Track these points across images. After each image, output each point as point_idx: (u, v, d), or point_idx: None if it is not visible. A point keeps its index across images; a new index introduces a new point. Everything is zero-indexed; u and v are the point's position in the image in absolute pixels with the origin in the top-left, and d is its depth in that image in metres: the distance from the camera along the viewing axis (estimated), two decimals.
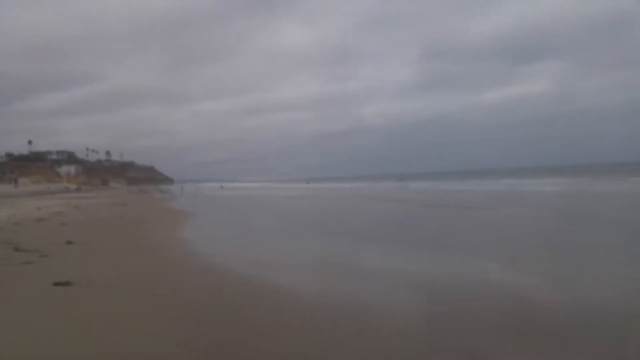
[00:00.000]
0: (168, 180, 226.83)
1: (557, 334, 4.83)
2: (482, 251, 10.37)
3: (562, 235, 13.06)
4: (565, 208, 22.53)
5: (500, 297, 6.42)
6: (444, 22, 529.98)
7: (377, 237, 13.59)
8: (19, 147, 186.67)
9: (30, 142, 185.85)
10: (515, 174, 78.34)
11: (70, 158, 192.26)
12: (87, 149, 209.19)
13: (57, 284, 6.86)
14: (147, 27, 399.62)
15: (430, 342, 4.70)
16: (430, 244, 11.62)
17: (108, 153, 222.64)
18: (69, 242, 11.46)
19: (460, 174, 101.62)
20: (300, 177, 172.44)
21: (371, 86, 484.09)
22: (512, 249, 10.62)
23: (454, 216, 20.11)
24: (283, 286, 7.28)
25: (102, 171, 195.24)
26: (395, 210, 24.95)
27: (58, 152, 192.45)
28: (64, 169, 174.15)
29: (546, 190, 37.17)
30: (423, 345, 4.61)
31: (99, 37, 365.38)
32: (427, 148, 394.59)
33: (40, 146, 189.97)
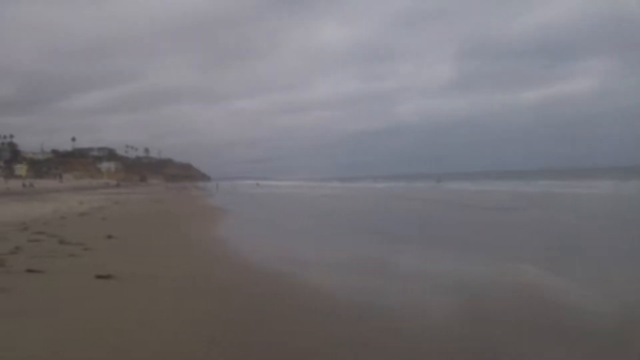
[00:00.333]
0: (205, 177, 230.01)
1: (596, 339, 4.78)
2: (513, 253, 10.21)
3: (598, 239, 12.75)
4: (605, 211, 21.92)
5: (531, 299, 6.32)
6: (482, 19, 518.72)
7: (409, 236, 13.53)
8: (64, 144, 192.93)
9: (73, 139, 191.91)
10: (554, 175, 76.33)
11: (110, 155, 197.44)
12: (127, 146, 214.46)
13: (98, 276, 7.11)
14: (184, 27, 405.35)
15: (459, 343, 4.68)
16: (462, 245, 11.46)
17: (147, 150, 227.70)
18: (110, 237, 11.83)
19: (497, 174, 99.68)
20: (335, 176, 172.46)
21: (407, 84, 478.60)
22: (542, 250, 10.45)
23: (487, 217, 19.83)
24: (316, 284, 7.35)
25: (140, 168, 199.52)
26: (428, 210, 24.69)
27: (99, 149, 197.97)
28: (104, 166, 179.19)
29: (590, 192, 36.02)
30: (451, 346, 4.59)
31: (138, 37, 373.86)
32: (463, 147, 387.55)
33: (83, 143, 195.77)
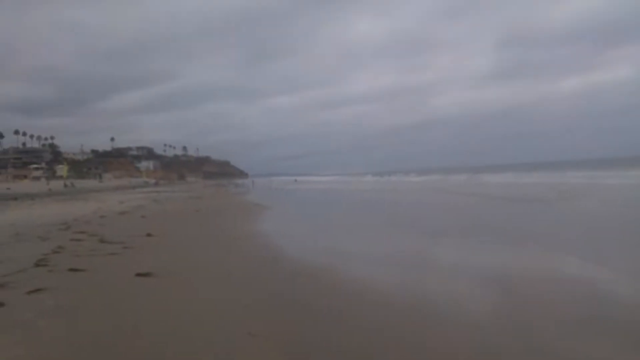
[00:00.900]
0: (243, 174, 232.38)
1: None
2: (558, 246, 9.97)
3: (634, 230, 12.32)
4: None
5: (581, 294, 6.13)
6: (521, 7, 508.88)
7: (449, 230, 13.32)
8: (103, 144, 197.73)
9: (112, 139, 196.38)
10: (599, 165, 73.72)
11: (149, 154, 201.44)
12: (165, 145, 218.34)
13: (138, 274, 7.21)
14: (221, 25, 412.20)
15: (507, 339, 4.55)
16: (504, 238, 11.24)
17: (184, 148, 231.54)
18: (149, 235, 11.98)
19: (536, 166, 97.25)
20: (373, 170, 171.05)
21: (445, 76, 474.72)
22: (582, 243, 10.15)
23: (529, 210, 19.44)
24: (357, 279, 7.25)
25: (179, 166, 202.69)
26: (468, 204, 24.37)
27: (138, 148, 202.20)
28: (143, 164, 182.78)
29: (633, 183, 34.81)
30: (499, 343, 4.47)
31: (176, 36, 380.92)
32: (504, 139, 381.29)
33: (122, 142, 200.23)
